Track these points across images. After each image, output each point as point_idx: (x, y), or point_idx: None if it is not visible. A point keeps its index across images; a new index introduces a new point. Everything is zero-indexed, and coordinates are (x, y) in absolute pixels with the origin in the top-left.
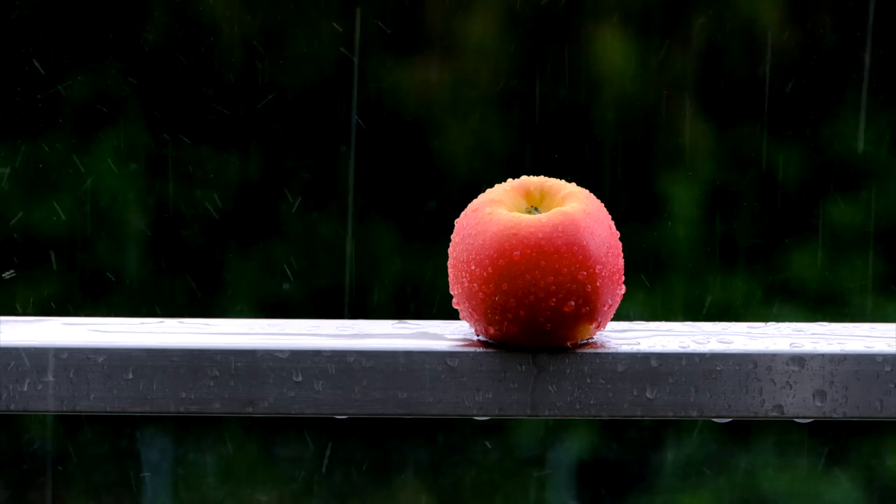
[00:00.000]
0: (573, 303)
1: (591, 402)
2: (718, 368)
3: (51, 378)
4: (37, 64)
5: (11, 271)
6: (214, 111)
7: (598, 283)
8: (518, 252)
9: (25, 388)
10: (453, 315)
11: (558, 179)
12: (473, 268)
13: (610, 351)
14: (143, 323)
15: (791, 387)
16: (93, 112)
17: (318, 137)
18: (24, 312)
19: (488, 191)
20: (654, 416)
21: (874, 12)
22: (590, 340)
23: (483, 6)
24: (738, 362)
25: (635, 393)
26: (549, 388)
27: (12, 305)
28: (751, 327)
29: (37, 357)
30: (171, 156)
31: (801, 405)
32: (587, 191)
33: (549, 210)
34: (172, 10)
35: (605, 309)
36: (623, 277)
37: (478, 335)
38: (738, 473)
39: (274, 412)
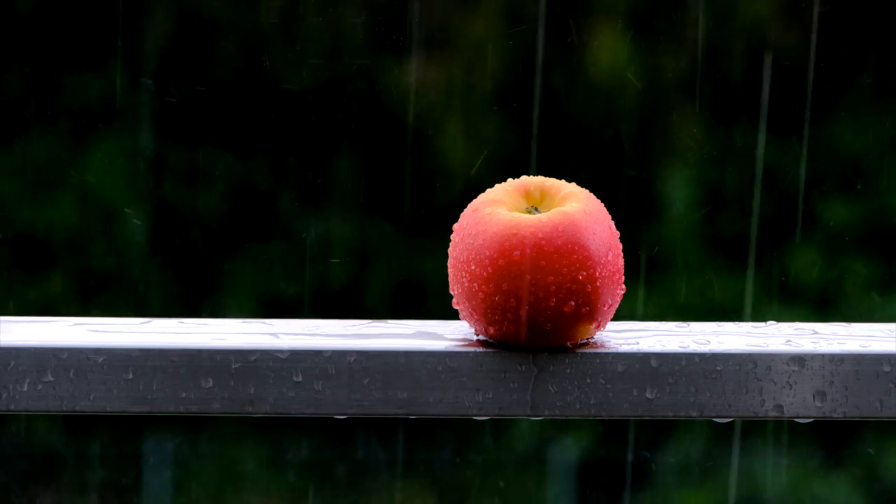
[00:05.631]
0: (573, 303)
1: (591, 402)
2: (718, 368)
3: (51, 378)
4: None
5: None
6: (214, 111)
7: (598, 283)
8: (518, 252)
9: (25, 388)
10: (453, 315)
11: (558, 179)
12: (473, 268)
13: (610, 351)
14: (143, 323)
15: (791, 387)
16: (93, 112)
17: (317, 137)
18: (25, 312)
19: (488, 191)
20: (654, 416)
21: (873, 12)
22: (590, 340)
23: (483, 5)
24: (738, 362)
25: (635, 393)
26: (549, 388)
27: (12, 305)
28: (751, 327)
29: (37, 357)
30: (172, 156)
31: (801, 405)
32: (587, 191)
33: (549, 210)
34: (173, 10)
35: (605, 309)
36: (623, 277)
37: (478, 335)
38: (737, 473)
39: (274, 412)
